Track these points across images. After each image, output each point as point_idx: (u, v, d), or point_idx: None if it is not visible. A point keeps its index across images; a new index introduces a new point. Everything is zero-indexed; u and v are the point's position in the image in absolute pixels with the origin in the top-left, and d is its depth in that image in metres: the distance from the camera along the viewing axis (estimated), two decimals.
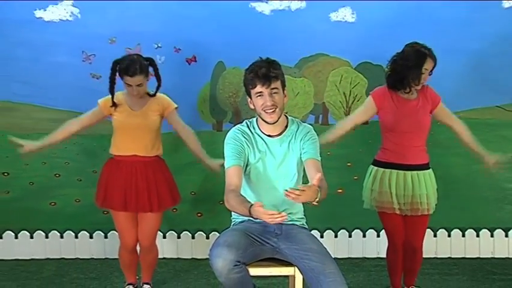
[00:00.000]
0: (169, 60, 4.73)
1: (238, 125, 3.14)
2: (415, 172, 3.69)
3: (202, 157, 3.95)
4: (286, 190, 2.67)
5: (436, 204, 3.79)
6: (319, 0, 4.74)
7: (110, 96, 3.81)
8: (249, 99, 3.04)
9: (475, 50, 4.73)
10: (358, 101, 4.86)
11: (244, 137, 3.06)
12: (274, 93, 2.94)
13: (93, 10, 4.70)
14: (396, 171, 3.70)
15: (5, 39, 4.74)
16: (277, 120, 2.99)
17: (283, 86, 3.02)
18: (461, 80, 4.68)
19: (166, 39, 4.74)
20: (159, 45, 4.73)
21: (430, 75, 3.67)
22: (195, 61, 4.81)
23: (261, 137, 3.07)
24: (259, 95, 2.95)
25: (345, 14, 4.77)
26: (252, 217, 2.79)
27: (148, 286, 4.08)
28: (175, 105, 3.93)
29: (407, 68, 3.60)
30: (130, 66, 3.67)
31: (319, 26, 4.77)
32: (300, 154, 3.08)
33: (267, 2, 4.74)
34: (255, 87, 2.94)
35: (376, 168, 3.79)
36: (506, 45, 4.76)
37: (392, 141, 3.73)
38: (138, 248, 4.03)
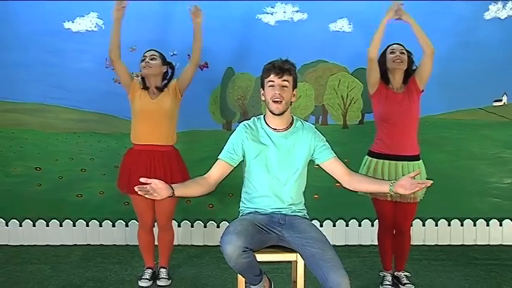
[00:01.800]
0: (183, 66, 4.67)
1: (246, 121, 3.15)
2: (405, 162, 3.69)
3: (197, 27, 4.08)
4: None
5: (424, 195, 3.78)
6: (319, 12, 4.73)
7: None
8: (262, 91, 3.05)
9: (459, 57, 4.72)
10: (354, 103, 4.86)
11: (247, 132, 3.06)
12: (284, 86, 2.96)
13: None
14: (388, 161, 3.71)
15: (38, 48, 4.77)
16: (282, 113, 3.00)
17: (294, 84, 3.03)
18: (447, 84, 4.67)
19: (181, 47, 4.74)
20: (175, 52, 4.73)
21: (413, 63, 3.78)
22: (207, 67, 4.81)
23: (266, 131, 3.06)
24: (271, 85, 2.96)
25: (342, 25, 4.77)
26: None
27: (165, 270, 4.09)
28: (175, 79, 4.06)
29: (380, 60, 3.77)
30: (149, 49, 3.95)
31: (319, 36, 4.77)
32: (311, 155, 3.10)
33: (272, 14, 4.74)
34: (269, 76, 2.97)
35: (370, 158, 3.81)
36: (487, 54, 4.74)
37: (385, 132, 3.75)
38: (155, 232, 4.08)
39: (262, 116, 3.14)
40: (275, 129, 3.06)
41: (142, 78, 3.96)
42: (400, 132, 3.70)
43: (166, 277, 4.06)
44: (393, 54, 3.73)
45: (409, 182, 2.84)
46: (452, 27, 4.72)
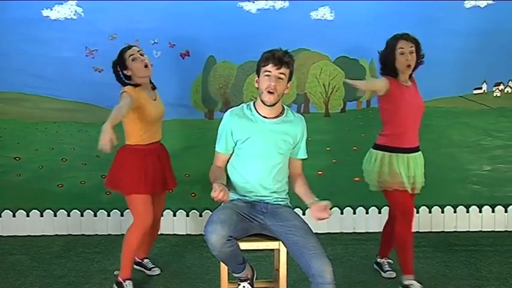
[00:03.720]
0: (164, 54, 4.71)
1: (233, 109, 3.13)
2: (412, 155, 3.68)
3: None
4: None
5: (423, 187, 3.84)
6: (301, 0, 4.71)
7: (129, 86, 3.55)
8: (256, 78, 3.02)
9: (439, 45, 4.73)
10: (336, 91, 4.86)
11: (234, 119, 3.06)
12: (280, 78, 2.93)
13: (95, 9, 4.66)
14: (401, 154, 3.66)
15: (15, 36, 4.68)
16: (273, 104, 2.97)
17: (290, 77, 3.01)
18: (427, 73, 4.68)
19: (162, 35, 4.71)
20: (156, 41, 4.70)
21: (421, 61, 3.70)
22: (188, 55, 4.78)
23: (256, 118, 3.04)
24: (267, 75, 2.92)
25: (324, 13, 4.75)
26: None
27: (148, 260, 4.12)
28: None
29: (386, 55, 3.63)
30: (129, 44, 3.75)
31: (300, 24, 4.75)
32: (293, 147, 3.11)
33: (253, 2, 4.71)
34: (267, 65, 2.92)
35: (382, 153, 3.67)
36: (467, 42, 4.77)
37: (395, 126, 3.65)
38: None
39: (252, 103, 3.11)
40: (265, 116, 3.04)
41: (121, 81, 3.63)
42: (412, 125, 3.69)
43: (154, 265, 4.09)
44: (404, 58, 3.57)
45: (316, 209, 2.85)
46: (432, 16, 4.73)
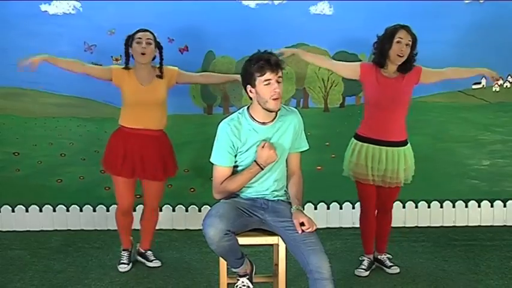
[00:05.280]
0: (163, 49, 4.67)
1: (229, 120, 2.99)
2: (390, 148, 3.67)
3: (230, 78, 4.10)
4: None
5: (412, 179, 3.85)
6: None
7: (119, 66, 3.84)
8: (250, 88, 2.90)
9: (438, 40, 4.72)
10: (335, 86, 4.86)
11: (233, 132, 2.94)
12: (279, 81, 2.85)
13: (93, 4, 4.64)
14: (373, 146, 3.69)
15: (13, 31, 4.66)
16: (280, 108, 2.93)
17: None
18: (427, 67, 4.68)
19: (161, 30, 4.64)
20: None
21: (413, 58, 3.68)
22: (187, 50, 4.77)
23: (253, 127, 2.96)
24: (267, 83, 2.82)
25: (323, 8, 4.74)
26: (263, 168, 2.92)
27: (151, 252, 4.15)
28: (176, 68, 3.94)
29: (383, 41, 3.63)
30: (142, 28, 3.78)
31: (299, 19, 4.73)
32: (294, 142, 3.07)
33: None
34: (264, 74, 2.81)
35: (356, 141, 3.77)
36: (466, 37, 4.76)
37: (372, 116, 3.70)
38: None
39: (245, 110, 3.02)
40: (262, 122, 2.97)
41: (127, 57, 3.81)
42: (387, 118, 3.66)
43: (155, 258, 4.11)
44: (398, 46, 3.58)
45: (297, 222, 2.84)
46: (432, 11, 4.71)
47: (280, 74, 2.85)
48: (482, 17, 4.75)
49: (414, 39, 3.65)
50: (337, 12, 4.74)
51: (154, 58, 3.85)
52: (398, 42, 3.59)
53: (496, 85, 4.88)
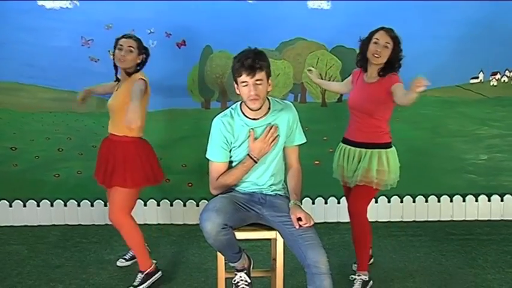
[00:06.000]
0: (161, 44, 4.68)
1: (222, 116, 3.00)
2: (363, 150, 3.55)
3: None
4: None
5: (391, 183, 3.59)
6: None
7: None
8: (236, 86, 2.92)
9: (436, 34, 4.72)
10: (333, 81, 4.84)
11: (226, 128, 2.95)
12: (259, 84, 2.82)
13: None
14: (345, 146, 3.68)
15: (10, 25, 4.66)
16: (260, 107, 2.90)
17: (268, 76, 2.89)
18: (424, 62, 4.67)
19: (158, 25, 4.68)
20: (152, 30, 4.67)
21: (397, 63, 3.50)
22: (185, 45, 4.76)
23: (245, 122, 2.96)
24: (245, 85, 2.83)
25: (321, 2, 4.73)
26: (256, 161, 2.93)
27: (140, 274, 3.70)
28: (139, 77, 3.53)
29: (363, 42, 3.58)
30: (128, 33, 3.63)
31: (297, 13, 4.72)
32: (288, 136, 3.06)
33: None
34: (241, 76, 2.81)
35: (340, 143, 3.77)
36: (464, 31, 4.75)
37: (351, 118, 3.69)
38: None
39: (238, 105, 3.02)
40: (254, 118, 2.97)
41: (115, 66, 3.66)
42: (361, 121, 3.57)
43: (139, 282, 3.67)
44: (374, 47, 3.47)
45: (294, 217, 2.83)
46: (429, 5, 4.70)
47: (257, 77, 2.81)
48: (481, 12, 4.74)
49: (395, 42, 3.48)
50: (334, 7, 4.72)
51: (141, 65, 3.65)
52: (375, 43, 3.48)
53: (494, 79, 4.88)
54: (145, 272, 3.68)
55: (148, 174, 3.63)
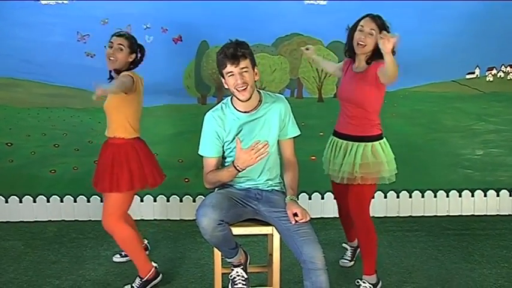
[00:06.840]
0: (157, 39, 4.66)
1: (213, 111, 3.01)
2: (350, 142, 3.40)
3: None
4: None
5: (388, 176, 3.43)
6: None
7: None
8: (223, 80, 2.91)
9: (432, 30, 4.71)
10: (329, 76, 4.84)
11: (217, 123, 2.96)
12: (245, 71, 2.82)
13: None
14: (334, 138, 3.55)
15: (5, 21, 4.62)
16: (249, 98, 2.88)
17: (253, 64, 2.89)
18: (420, 57, 4.67)
19: (155, 20, 4.66)
20: (148, 26, 4.65)
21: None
22: (181, 40, 4.74)
23: (236, 116, 2.96)
24: (231, 75, 2.83)
25: None
26: (240, 171, 2.87)
27: (138, 278, 3.60)
28: (126, 74, 3.40)
29: (350, 31, 3.45)
30: (120, 31, 3.55)
31: (293, 9, 4.71)
32: (280, 131, 3.04)
33: None
34: (226, 67, 2.82)
35: (330, 136, 3.63)
36: (460, 26, 4.75)
37: (341, 110, 3.54)
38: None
39: (229, 100, 3.02)
40: (245, 112, 2.96)
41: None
42: (348, 112, 3.44)
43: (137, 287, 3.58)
44: (359, 34, 3.32)
45: (290, 212, 2.82)
46: (426, 1, 4.70)
47: (242, 65, 2.81)
48: (477, 7, 4.74)
49: (381, 29, 3.23)
50: (331, 2, 4.71)
51: (134, 63, 3.56)
52: (360, 30, 3.34)
53: (490, 75, 4.88)
54: (144, 279, 3.56)
55: (140, 177, 3.47)
